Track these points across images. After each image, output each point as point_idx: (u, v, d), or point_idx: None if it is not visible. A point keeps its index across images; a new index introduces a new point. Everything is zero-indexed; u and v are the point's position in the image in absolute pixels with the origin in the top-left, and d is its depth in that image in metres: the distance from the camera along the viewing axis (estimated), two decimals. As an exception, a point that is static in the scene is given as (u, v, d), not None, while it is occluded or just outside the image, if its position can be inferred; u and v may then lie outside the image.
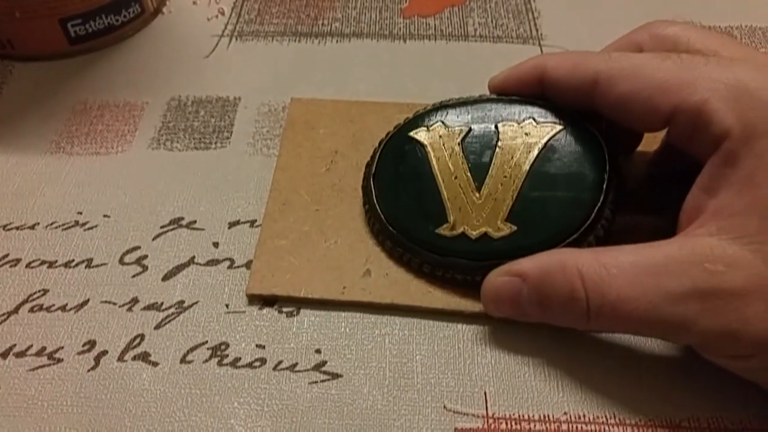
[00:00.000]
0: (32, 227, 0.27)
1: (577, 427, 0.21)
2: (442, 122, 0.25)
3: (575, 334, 0.22)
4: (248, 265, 0.25)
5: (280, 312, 0.24)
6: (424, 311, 0.23)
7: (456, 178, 0.24)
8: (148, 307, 0.24)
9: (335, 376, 0.22)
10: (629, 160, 0.26)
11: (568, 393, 0.21)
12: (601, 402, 0.21)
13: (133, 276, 0.25)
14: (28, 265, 0.25)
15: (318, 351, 0.23)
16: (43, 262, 0.25)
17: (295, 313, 0.24)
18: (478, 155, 0.24)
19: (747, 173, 0.18)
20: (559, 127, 0.24)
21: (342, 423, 0.21)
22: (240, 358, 0.22)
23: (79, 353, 0.23)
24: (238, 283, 0.25)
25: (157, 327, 0.23)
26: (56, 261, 0.25)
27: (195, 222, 0.27)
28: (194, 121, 0.31)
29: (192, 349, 0.23)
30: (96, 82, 0.33)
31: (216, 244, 0.26)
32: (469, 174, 0.24)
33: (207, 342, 0.23)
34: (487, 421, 0.21)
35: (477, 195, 0.23)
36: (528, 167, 0.23)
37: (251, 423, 0.21)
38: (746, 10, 0.37)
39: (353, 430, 0.21)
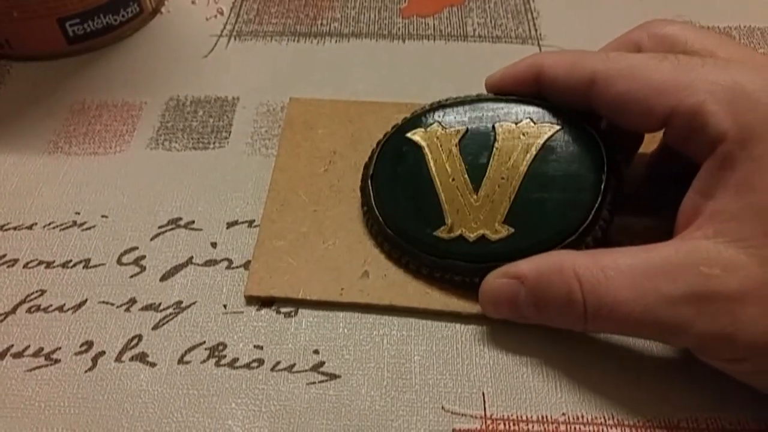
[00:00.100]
0: (30, 227, 0.27)
1: (575, 428, 0.21)
2: (439, 123, 0.25)
3: (573, 335, 0.22)
4: (246, 265, 0.25)
5: (278, 312, 0.24)
6: (423, 312, 0.23)
7: (453, 180, 0.24)
8: (146, 308, 0.24)
9: (333, 376, 0.22)
10: (629, 163, 0.26)
11: (566, 394, 0.21)
12: (600, 403, 0.21)
13: (131, 276, 0.25)
14: (25, 266, 0.25)
15: (316, 351, 0.23)
16: (40, 263, 0.25)
17: (293, 313, 0.24)
18: (476, 156, 0.24)
19: (743, 176, 0.18)
20: (556, 128, 0.24)
21: (340, 423, 0.21)
22: (238, 359, 0.22)
23: (76, 354, 0.23)
24: (236, 283, 0.25)
25: (155, 327, 0.23)
26: (54, 261, 0.25)
27: (193, 222, 0.27)
28: (192, 121, 0.31)
29: (190, 350, 0.23)
30: (94, 81, 0.33)
31: (214, 245, 0.26)
32: (466, 176, 0.24)
33: (205, 342, 0.23)
34: (485, 422, 0.21)
35: (474, 197, 0.23)
36: (525, 168, 0.23)
37: (249, 424, 0.21)
38: (745, 11, 0.37)
39: (351, 431, 0.21)
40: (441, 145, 0.24)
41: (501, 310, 0.22)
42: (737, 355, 0.18)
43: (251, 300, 0.24)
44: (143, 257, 0.25)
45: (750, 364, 0.19)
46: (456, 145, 0.24)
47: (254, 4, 0.39)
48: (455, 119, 0.25)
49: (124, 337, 0.23)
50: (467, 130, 0.24)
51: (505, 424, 0.21)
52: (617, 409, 0.21)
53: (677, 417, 0.21)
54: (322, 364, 0.22)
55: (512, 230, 0.23)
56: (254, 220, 0.27)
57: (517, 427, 0.21)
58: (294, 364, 0.22)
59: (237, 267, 0.25)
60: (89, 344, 0.23)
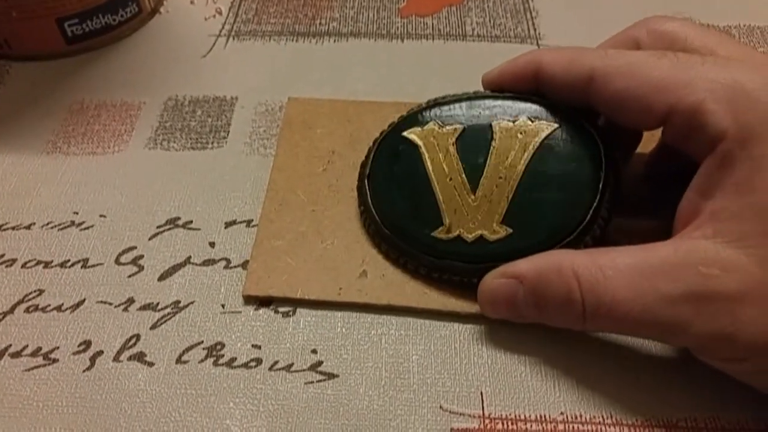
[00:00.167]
0: (28, 227, 0.27)
1: (573, 428, 0.21)
2: (436, 121, 0.25)
3: (572, 334, 0.22)
4: (244, 265, 0.25)
5: (276, 312, 0.24)
6: (421, 312, 0.23)
7: (451, 179, 0.24)
8: (144, 307, 0.24)
9: (331, 376, 0.22)
10: (628, 160, 0.26)
11: (564, 393, 0.21)
12: (598, 402, 0.21)
13: (129, 276, 0.25)
14: (23, 266, 0.25)
15: (314, 351, 0.23)
16: (38, 262, 0.25)
17: (291, 313, 0.24)
18: (473, 155, 0.24)
19: (743, 176, 0.18)
20: (554, 126, 0.23)
21: (338, 423, 0.21)
22: (236, 358, 0.22)
23: (74, 353, 0.23)
24: (234, 283, 0.25)
25: (153, 327, 0.23)
26: (52, 261, 0.25)
27: (191, 222, 0.27)
28: (191, 120, 0.31)
29: (188, 349, 0.23)
30: (93, 81, 0.33)
31: (212, 244, 0.26)
32: (463, 175, 0.23)
33: (203, 342, 0.23)
34: (484, 421, 0.21)
35: (472, 197, 0.23)
36: (523, 168, 0.23)
37: (247, 423, 0.21)
38: (745, 10, 0.37)
39: (349, 431, 0.21)
40: (438, 144, 0.24)
41: (500, 310, 0.22)
42: (736, 355, 0.18)
43: (249, 299, 0.24)
44: (141, 257, 0.25)
45: (749, 364, 0.18)
46: (453, 144, 0.24)
47: (253, 4, 0.39)
48: (452, 117, 0.25)
49: (122, 337, 0.23)
50: (464, 128, 0.24)
51: (503, 424, 0.21)
52: (616, 408, 0.21)
53: (676, 416, 0.21)
54: (320, 363, 0.22)
55: (510, 231, 0.22)
56: (252, 220, 0.27)
57: (515, 427, 0.21)
58: (292, 364, 0.22)
59: (235, 267, 0.25)
60: (87, 344, 0.23)
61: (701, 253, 0.18)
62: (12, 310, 0.24)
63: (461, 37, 0.36)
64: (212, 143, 0.30)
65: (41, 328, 0.23)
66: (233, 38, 0.36)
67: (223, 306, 0.24)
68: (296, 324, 0.23)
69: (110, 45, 0.35)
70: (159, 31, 0.37)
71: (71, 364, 0.22)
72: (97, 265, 0.25)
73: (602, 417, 0.21)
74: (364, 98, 0.31)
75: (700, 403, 0.21)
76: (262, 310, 0.24)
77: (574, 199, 0.22)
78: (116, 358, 0.22)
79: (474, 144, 0.24)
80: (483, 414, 0.21)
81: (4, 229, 0.26)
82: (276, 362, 0.22)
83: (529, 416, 0.21)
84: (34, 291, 0.24)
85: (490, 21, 0.37)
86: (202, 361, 0.22)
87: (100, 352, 0.23)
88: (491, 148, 0.24)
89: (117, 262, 0.25)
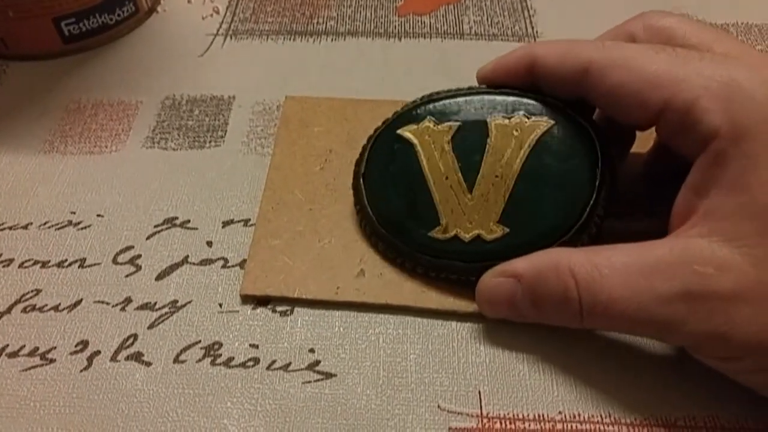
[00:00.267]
0: (25, 227, 0.26)
1: (571, 427, 0.21)
2: (431, 118, 0.24)
3: (570, 332, 0.22)
4: (242, 264, 0.25)
5: (274, 311, 0.24)
6: (419, 311, 0.23)
7: (447, 178, 0.23)
8: (142, 307, 0.24)
9: (329, 375, 0.22)
10: (624, 158, 0.26)
11: (563, 392, 0.21)
12: (597, 401, 0.21)
13: (127, 276, 0.25)
14: (20, 265, 0.25)
15: (312, 350, 0.23)
16: (35, 262, 0.25)
17: (288, 312, 0.24)
18: (469, 154, 0.23)
19: (737, 174, 0.18)
20: (550, 122, 0.23)
21: (336, 423, 0.21)
22: (233, 358, 0.22)
23: (71, 353, 0.23)
24: (231, 282, 0.24)
25: (151, 327, 0.23)
26: (49, 261, 0.25)
27: (189, 221, 0.27)
28: (188, 120, 0.31)
29: (185, 349, 0.23)
30: (90, 81, 0.33)
31: (210, 244, 0.26)
32: (459, 174, 0.23)
33: (200, 341, 0.23)
34: (482, 421, 0.21)
35: (468, 196, 0.23)
36: (519, 166, 0.23)
37: (244, 423, 0.21)
38: (741, 8, 0.37)
39: (347, 430, 0.21)
40: (433, 143, 0.24)
41: (498, 309, 0.22)
42: (731, 354, 0.18)
43: (247, 299, 0.24)
44: (139, 256, 0.25)
45: (744, 363, 0.19)
46: (448, 143, 0.24)
47: (250, 3, 0.39)
48: (447, 114, 0.24)
49: (120, 337, 0.23)
50: (459, 126, 0.24)
51: (501, 423, 0.21)
52: (614, 407, 0.21)
53: (675, 415, 0.21)
54: (317, 363, 0.22)
55: (507, 230, 0.22)
56: (250, 219, 0.27)
57: (513, 426, 0.21)
58: (290, 363, 0.22)
59: (232, 266, 0.25)
60: (84, 344, 0.23)
61: (696, 252, 0.18)
62: (9, 310, 0.24)
63: (459, 36, 0.36)
64: (210, 142, 0.30)
65: (38, 328, 0.23)
66: (230, 37, 0.36)
67: (220, 305, 0.24)
68: (294, 323, 0.23)
69: (107, 44, 0.35)
70: (156, 31, 0.37)
71: (68, 364, 0.22)
72: (95, 264, 0.25)
73: (601, 416, 0.21)
74: (361, 97, 0.31)
75: (698, 401, 0.21)
76: (259, 310, 0.24)
77: (570, 198, 0.22)
78: (113, 358, 0.22)
79: (469, 142, 0.24)
80: (481, 413, 0.21)
81: (1, 229, 0.26)
82: (274, 362, 0.22)
83: (528, 415, 0.21)
84: (32, 291, 0.24)
85: (487, 19, 0.37)
86: (199, 360, 0.22)
87: (98, 352, 0.23)
88: (487, 146, 0.23)
89: (114, 261, 0.25)
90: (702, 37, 0.21)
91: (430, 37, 0.36)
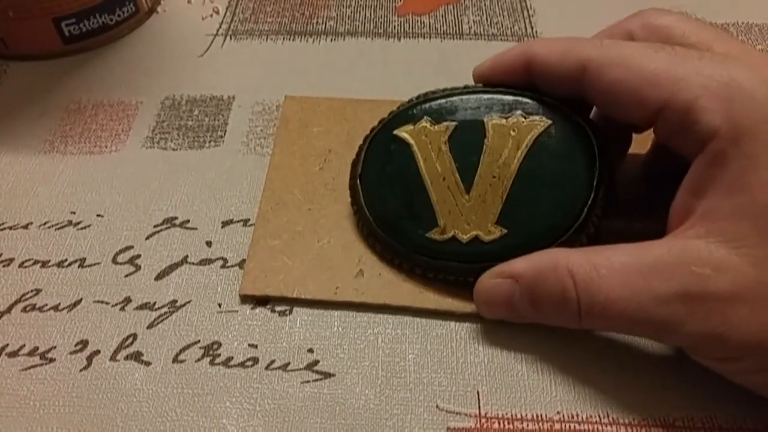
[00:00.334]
0: (25, 227, 0.27)
1: (570, 427, 0.21)
2: (428, 118, 0.24)
3: (568, 333, 0.22)
4: (241, 264, 0.25)
5: (273, 311, 0.24)
6: (417, 311, 0.23)
7: (444, 179, 0.23)
8: (141, 307, 0.24)
9: (327, 375, 0.22)
10: (622, 158, 0.26)
11: (561, 392, 0.21)
12: (595, 401, 0.21)
13: (126, 275, 0.25)
14: (21, 265, 0.25)
15: (310, 350, 0.23)
16: (35, 262, 0.25)
17: (287, 312, 0.24)
18: (466, 154, 0.23)
19: (735, 175, 0.18)
20: (547, 122, 0.23)
21: (334, 422, 0.21)
22: (232, 358, 0.22)
23: (71, 353, 0.23)
24: (230, 282, 0.25)
25: (150, 326, 0.23)
26: (49, 261, 0.25)
27: (188, 221, 0.27)
28: (188, 120, 0.31)
29: (184, 349, 0.23)
30: (90, 81, 0.33)
31: (209, 244, 0.26)
32: (457, 175, 0.23)
33: (199, 341, 0.23)
34: (480, 421, 0.21)
35: (466, 197, 0.23)
36: (517, 167, 0.23)
37: (243, 422, 0.21)
38: (742, 7, 0.37)
39: (345, 430, 0.21)
40: (430, 143, 0.24)
41: (497, 309, 0.22)
42: (728, 355, 0.18)
43: (246, 299, 0.24)
44: (138, 256, 0.25)
45: (742, 364, 0.18)
46: (445, 143, 0.24)
47: (250, 3, 0.39)
48: (443, 113, 0.24)
49: (119, 336, 0.23)
50: (456, 125, 0.24)
51: (499, 423, 0.21)
52: (613, 407, 0.21)
53: (673, 416, 0.21)
54: (316, 362, 0.22)
55: (505, 231, 0.22)
56: (249, 219, 0.27)
57: (511, 426, 0.21)
58: (288, 363, 0.22)
59: (232, 266, 0.25)
60: (84, 343, 0.23)
61: (694, 253, 0.18)
62: (9, 309, 0.24)
63: (458, 36, 0.36)
64: (209, 142, 0.30)
65: (38, 327, 0.23)
66: (230, 37, 0.36)
67: (219, 305, 0.24)
68: (293, 323, 0.23)
69: (107, 45, 0.35)
70: (156, 31, 0.37)
71: (68, 364, 0.22)
72: (94, 264, 0.25)
73: (599, 416, 0.21)
74: (361, 97, 0.31)
75: (697, 402, 0.21)
76: (258, 310, 0.24)
77: (568, 198, 0.22)
78: (113, 358, 0.22)
79: (467, 142, 0.23)
80: (479, 413, 0.21)
81: (2, 229, 0.26)
82: (272, 361, 0.22)
83: (526, 415, 0.21)
84: (32, 290, 0.24)
85: (486, 19, 0.37)
86: (198, 360, 0.22)
87: (97, 352, 0.23)
88: (484, 146, 0.23)
89: (114, 261, 0.25)
90: (701, 36, 0.21)
91: (430, 37, 0.36)
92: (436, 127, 0.24)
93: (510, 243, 0.22)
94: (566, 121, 0.23)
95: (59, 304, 0.24)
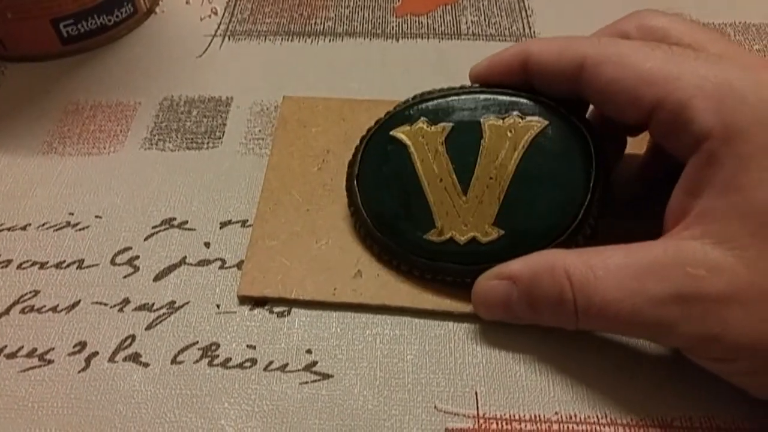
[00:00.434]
0: (24, 228, 0.27)
1: (568, 427, 0.21)
2: (424, 118, 0.24)
3: (566, 333, 0.22)
4: (239, 265, 0.25)
5: (271, 312, 0.24)
6: (415, 312, 0.23)
7: (441, 180, 0.23)
8: (139, 308, 0.24)
9: (326, 376, 0.22)
10: (619, 158, 0.26)
11: (559, 392, 0.21)
12: (593, 401, 0.21)
13: (125, 276, 0.25)
14: (19, 266, 0.25)
15: (309, 351, 0.23)
16: (34, 263, 0.25)
17: (286, 313, 0.24)
18: (463, 155, 0.23)
19: (729, 175, 0.18)
20: (544, 123, 0.23)
21: (333, 423, 0.21)
22: (231, 359, 0.22)
23: (69, 354, 0.23)
24: (229, 283, 0.25)
25: (148, 328, 0.23)
26: (47, 262, 0.25)
27: (186, 222, 0.27)
28: (186, 121, 0.31)
29: (183, 350, 0.23)
30: (88, 82, 0.33)
31: (207, 245, 0.26)
32: (454, 176, 0.23)
33: (198, 342, 0.23)
34: (478, 421, 0.21)
35: (463, 199, 0.23)
36: (513, 168, 0.23)
37: (242, 423, 0.21)
38: (739, 7, 0.37)
39: (344, 431, 0.21)
40: (427, 144, 0.24)
41: (494, 311, 0.22)
42: (724, 356, 0.18)
43: (244, 300, 0.24)
44: (137, 257, 0.25)
45: (738, 364, 0.19)
46: (442, 144, 0.24)
47: (248, 4, 0.39)
48: (440, 114, 0.24)
49: (118, 338, 0.23)
50: (453, 126, 0.24)
51: (497, 423, 0.21)
52: (610, 407, 0.21)
53: (671, 416, 0.21)
54: (314, 363, 0.22)
55: (502, 232, 0.22)
56: (247, 220, 0.27)
57: (509, 426, 0.21)
58: (287, 364, 0.22)
59: (230, 267, 0.25)
60: (82, 345, 0.23)
61: (689, 254, 0.18)
62: (7, 311, 0.24)
63: (456, 36, 0.36)
64: (207, 143, 0.30)
65: (37, 329, 0.23)
66: (228, 38, 0.36)
67: (218, 306, 0.24)
68: (291, 324, 0.23)
69: (106, 45, 0.35)
70: (154, 32, 0.37)
71: (66, 365, 0.22)
72: (93, 265, 0.25)
73: (597, 416, 0.21)
74: (359, 97, 0.31)
75: (695, 402, 0.21)
76: (257, 311, 0.24)
77: (565, 199, 0.22)
78: (111, 359, 0.22)
79: (463, 143, 0.23)
80: (478, 414, 0.21)
81: (0, 230, 0.26)
82: (271, 362, 0.22)
83: (524, 416, 0.21)
84: (30, 292, 0.24)
85: (485, 20, 0.37)
86: (197, 361, 0.22)
87: (96, 353, 0.23)
88: (481, 147, 0.23)
89: (112, 262, 0.25)
90: (696, 37, 0.21)
91: (428, 38, 0.36)
92: (432, 128, 0.24)
93: (507, 244, 0.22)
94: (563, 122, 0.23)
95: (57, 305, 0.24)
